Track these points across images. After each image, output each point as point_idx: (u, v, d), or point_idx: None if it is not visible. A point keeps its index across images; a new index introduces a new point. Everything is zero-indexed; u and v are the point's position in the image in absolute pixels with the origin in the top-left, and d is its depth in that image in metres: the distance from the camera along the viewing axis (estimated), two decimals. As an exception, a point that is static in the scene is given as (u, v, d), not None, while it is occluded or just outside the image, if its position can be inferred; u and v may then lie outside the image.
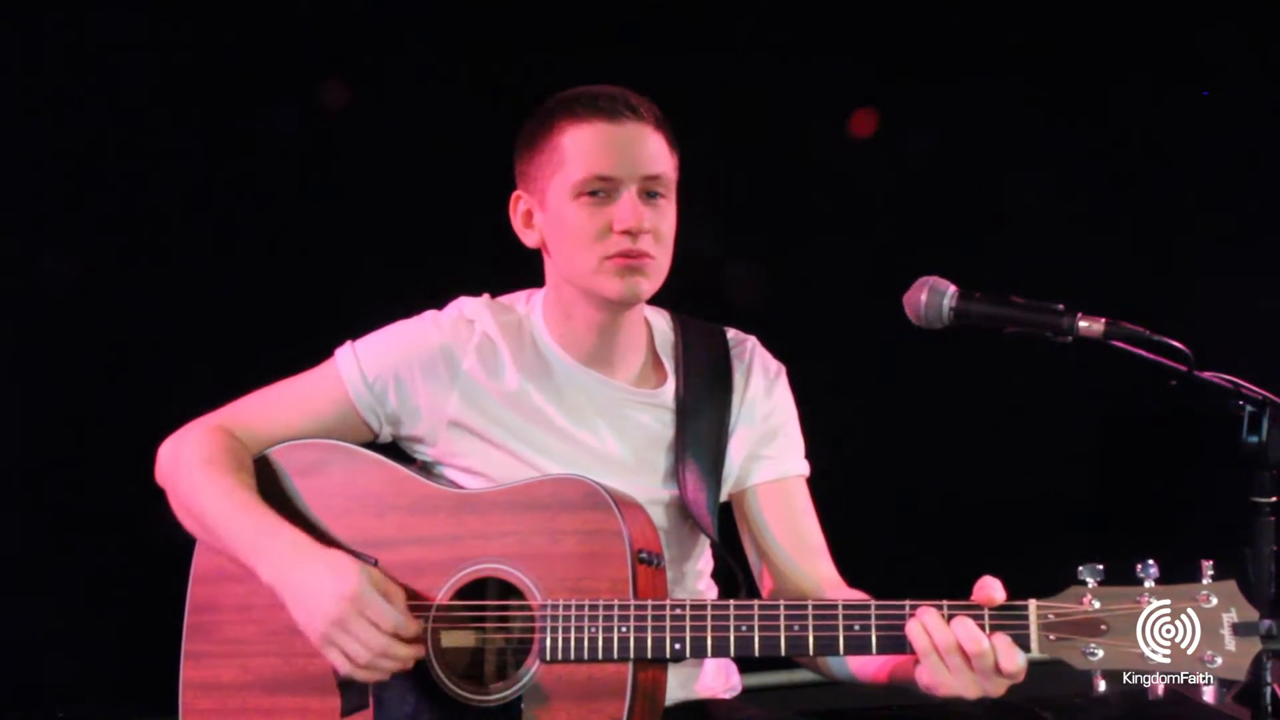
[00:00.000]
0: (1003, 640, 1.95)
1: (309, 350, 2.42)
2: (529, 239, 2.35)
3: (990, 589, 1.98)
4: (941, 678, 1.97)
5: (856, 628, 2.03)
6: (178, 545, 2.36)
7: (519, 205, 2.35)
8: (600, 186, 2.23)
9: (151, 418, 2.44)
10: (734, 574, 2.36)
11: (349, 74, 3.66)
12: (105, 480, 3.42)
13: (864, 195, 4.03)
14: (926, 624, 1.98)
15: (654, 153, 2.26)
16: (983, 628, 1.96)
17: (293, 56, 3.60)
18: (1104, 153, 4.19)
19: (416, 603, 2.20)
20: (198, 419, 2.38)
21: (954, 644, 1.96)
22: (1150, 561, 1.95)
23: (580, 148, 2.24)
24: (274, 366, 2.43)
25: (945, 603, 1.99)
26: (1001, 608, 1.97)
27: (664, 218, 2.28)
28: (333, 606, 2.11)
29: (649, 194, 2.25)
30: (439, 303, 2.42)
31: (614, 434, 2.35)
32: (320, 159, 3.65)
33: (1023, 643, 1.95)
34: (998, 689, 1.97)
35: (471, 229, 3.06)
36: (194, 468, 2.29)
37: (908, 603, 2.01)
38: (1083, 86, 4.14)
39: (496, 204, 2.40)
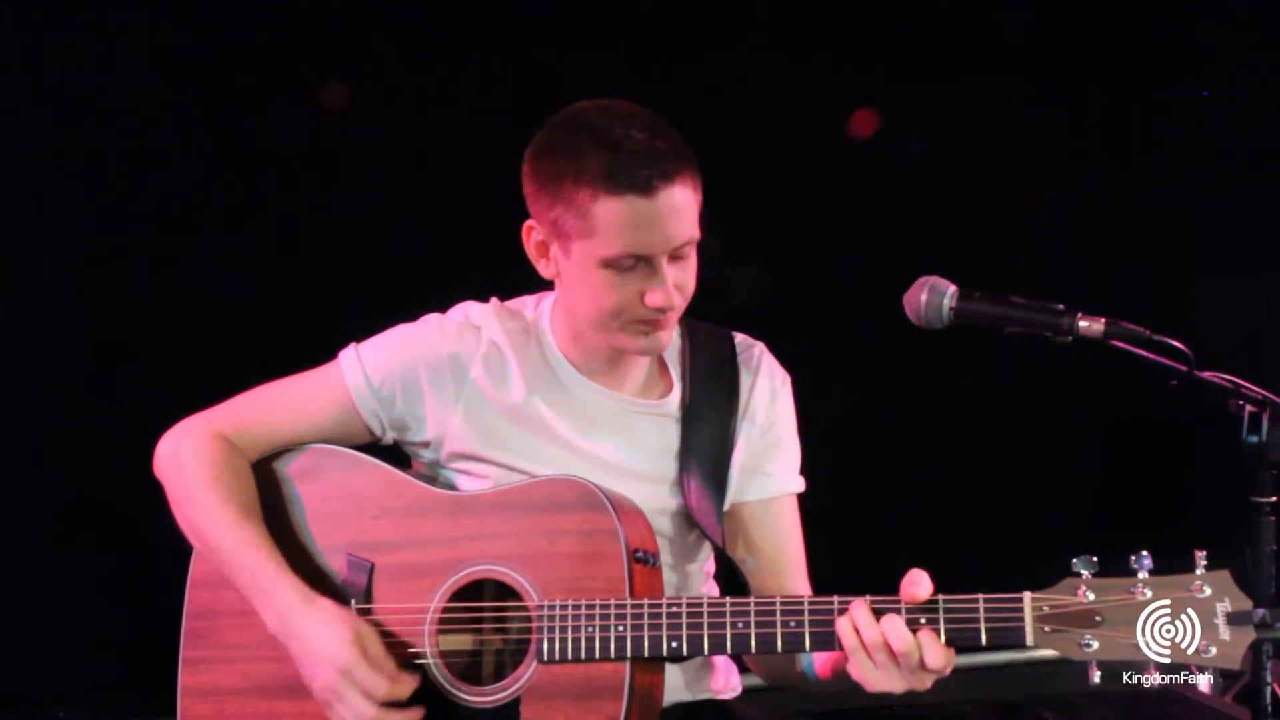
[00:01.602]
0: (928, 637, 1.96)
1: (311, 350, 2.41)
2: (544, 270, 2.30)
3: (914, 585, 1.99)
4: (869, 674, 1.99)
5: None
6: (178, 545, 2.36)
7: (533, 235, 2.28)
8: (632, 263, 2.18)
9: (152, 418, 2.43)
10: (737, 574, 2.37)
11: (352, 74, 3.65)
12: (105, 480, 3.42)
13: (864, 195, 4.02)
14: (856, 621, 1.99)
15: (686, 218, 2.19)
16: (914, 623, 1.96)
17: (297, 57, 3.60)
18: (1104, 152, 4.18)
19: (413, 605, 2.21)
20: (196, 415, 2.37)
21: (880, 641, 1.97)
22: (1144, 552, 1.95)
23: (613, 224, 2.15)
24: (275, 367, 2.42)
25: (869, 597, 2.00)
26: (994, 599, 1.97)
27: (689, 271, 2.24)
28: (327, 676, 2.14)
29: (678, 255, 2.21)
30: (442, 305, 2.41)
31: (620, 444, 2.34)
32: (321, 159, 3.64)
33: (1018, 635, 1.95)
34: (923, 684, 1.99)
35: (475, 230, 3.06)
36: (199, 486, 2.28)
37: (836, 598, 2.03)
38: (1083, 86, 4.14)
39: (503, 205, 2.38)
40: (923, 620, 1.98)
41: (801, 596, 2.08)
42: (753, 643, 2.06)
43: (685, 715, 2.35)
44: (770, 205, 3.94)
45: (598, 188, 2.15)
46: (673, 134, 2.20)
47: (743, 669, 2.48)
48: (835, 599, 2.04)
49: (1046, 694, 3.62)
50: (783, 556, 2.39)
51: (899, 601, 1.99)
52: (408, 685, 2.15)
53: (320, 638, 2.15)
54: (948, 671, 1.98)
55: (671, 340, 2.30)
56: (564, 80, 2.36)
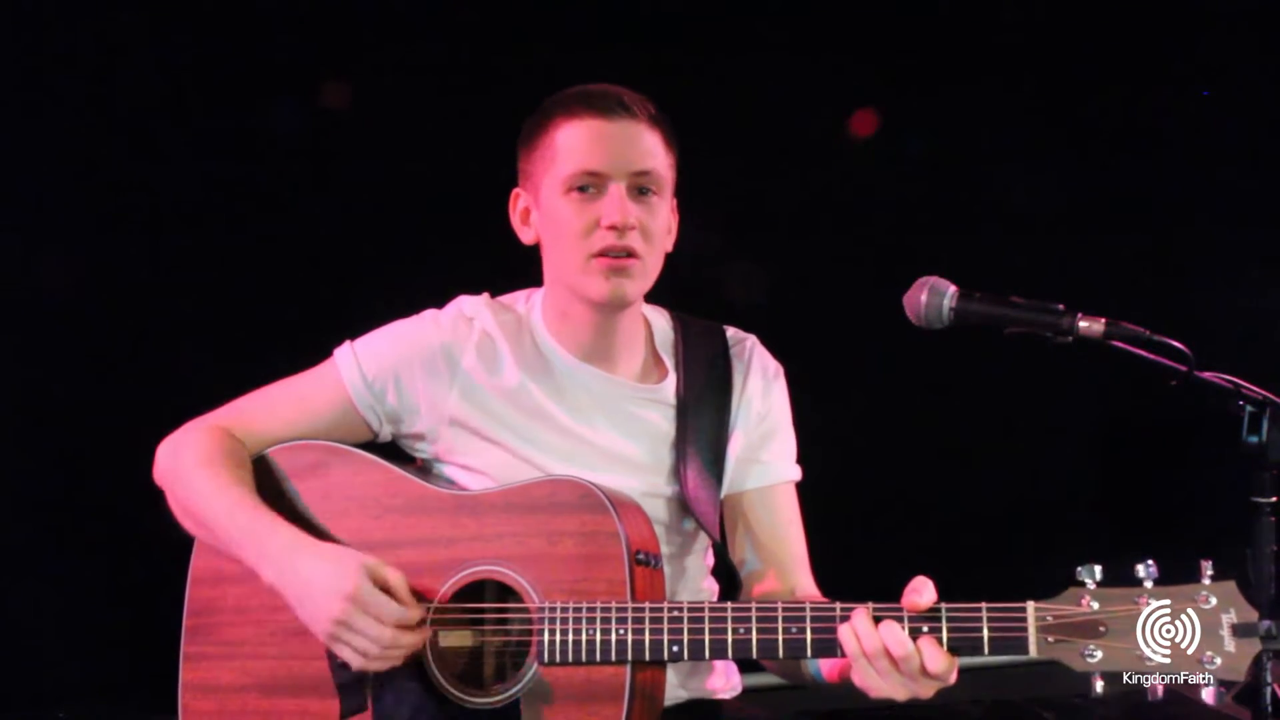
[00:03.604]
0: (928, 643, 1.96)
1: (309, 350, 2.42)
2: (525, 235, 2.36)
3: (916, 593, 1.99)
4: (871, 680, 1.99)
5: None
6: (178, 545, 2.36)
7: (518, 202, 2.36)
8: (589, 182, 2.24)
9: (151, 418, 2.44)
10: (735, 571, 2.37)
11: (349, 73, 3.66)
12: (105, 480, 3.42)
13: (864, 195, 4.03)
14: (856, 628, 1.99)
15: (645, 149, 2.25)
16: (916, 631, 1.96)
17: (293, 56, 3.60)
18: (1105, 153, 4.19)
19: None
20: (196, 419, 2.38)
21: (880, 648, 1.97)
22: (1149, 561, 1.94)
23: (571, 144, 2.25)
24: (274, 366, 2.43)
25: (871, 604, 2.00)
26: (998, 608, 1.97)
27: (654, 215, 2.27)
28: (335, 605, 2.11)
29: (640, 190, 2.26)
30: (439, 302, 2.42)
31: (617, 430, 2.35)
32: (319, 158, 3.65)
33: (1021, 645, 1.95)
34: (926, 690, 1.98)
35: (471, 229, 3.06)
36: (192, 469, 2.29)
37: (839, 605, 2.03)
38: (1084, 86, 4.14)
39: (496, 204, 2.40)
40: (925, 628, 1.98)
41: (803, 602, 2.07)
42: (754, 648, 2.06)
43: (686, 715, 2.35)
44: (770, 205, 3.95)
45: (561, 119, 2.27)
46: (649, 103, 2.29)
47: (745, 669, 2.48)
48: (838, 605, 2.04)
49: (1046, 694, 3.63)
50: (785, 547, 2.39)
51: (901, 609, 1.99)
52: (418, 610, 2.14)
53: (325, 570, 2.13)
54: (951, 679, 1.98)
55: (637, 295, 2.30)
56: (563, 78, 2.36)
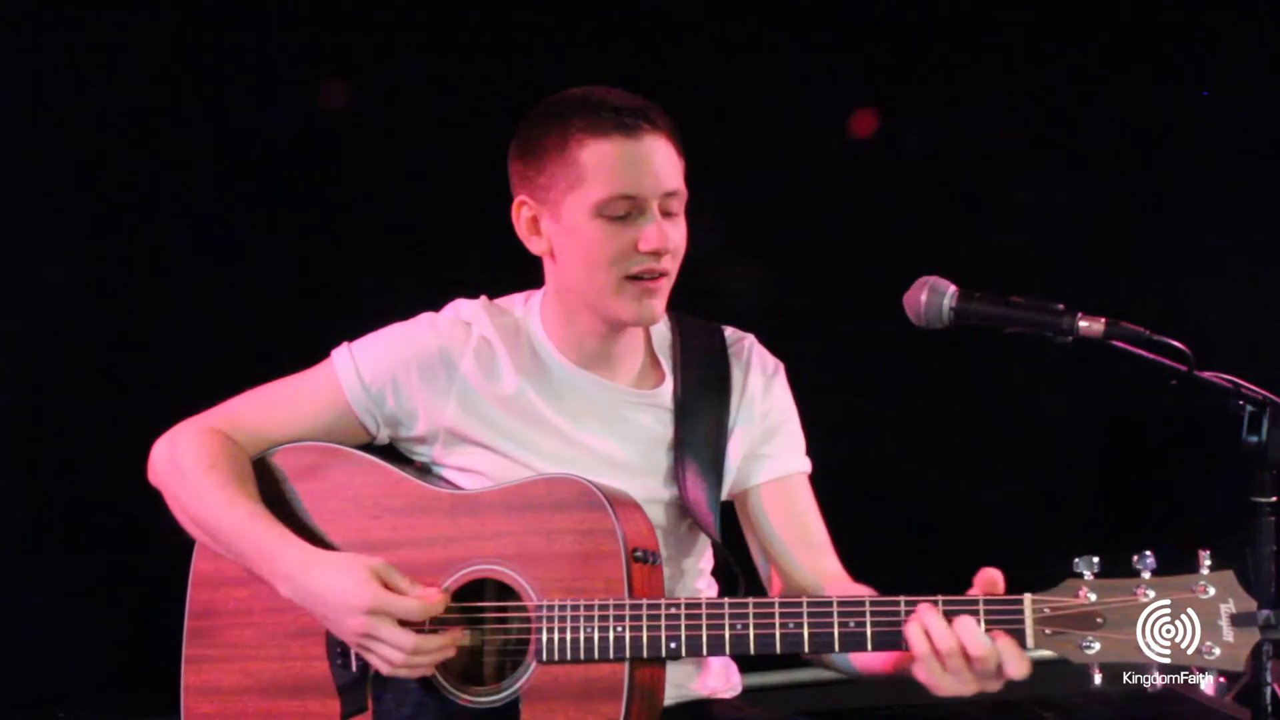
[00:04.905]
0: (1008, 644, 1.95)
1: (307, 351, 2.42)
2: (535, 246, 2.32)
3: (988, 582, 1.99)
4: (939, 679, 1.97)
5: (852, 624, 2.03)
6: (178, 545, 2.36)
7: (523, 211, 2.31)
8: (624, 206, 2.21)
9: (151, 418, 2.43)
10: (733, 572, 2.37)
11: (348, 74, 3.65)
12: (105, 480, 3.42)
13: (864, 195, 4.02)
14: (928, 627, 1.97)
15: (671, 167, 2.24)
16: (980, 622, 1.96)
17: (293, 57, 3.60)
18: (1104, 152, 4.19)
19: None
20: (190, 419, 2.38)
21: (956, 648, 1.95)
22: (1147, 553, 1.95)
23: (602, 166, 2.20)
24: (273, 367, 2.43)
25: (940, 598, 1.99)
26: (994, 602, 1.97)
27: (679, 231, 2.26)
28: (354, 622, 2.13)
29: (668, 208, 2.24)
30: (437, 304, 2.41)
31: (614, 435, 2.34)
32: (318, 159, 3.65)
33: (1018, 637, 1.95)
34: (996, 687, 1.98)
35: (470, 230, 3.06)
36: (196, 475, 2.28)
37: (903, 599, 2.01)
38: (1083, 86, 4.14)
39: (494, 206, 2.39)
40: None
41: (800, 598, 2.07)
42: (751, 644, 2.06)
43: (685, 714, 2.35)
44: (770, 205, 3.95)
45: (584, 136, 2.21)
46: (661, 111, 2.26)
47: (745, 668, 2.48)
48: (834, 599, 2.04)
49: (1046, 694, 3.62)
50: (805, 535, 2.37)
51: (897, 603, 1.99)
52: (440, 602, 2.15)
53: (337, 586, 2.14)
54: (1024, 677, 1.96)
55: (663, 312, 2.30)
56: (562, 79, 2.35)
